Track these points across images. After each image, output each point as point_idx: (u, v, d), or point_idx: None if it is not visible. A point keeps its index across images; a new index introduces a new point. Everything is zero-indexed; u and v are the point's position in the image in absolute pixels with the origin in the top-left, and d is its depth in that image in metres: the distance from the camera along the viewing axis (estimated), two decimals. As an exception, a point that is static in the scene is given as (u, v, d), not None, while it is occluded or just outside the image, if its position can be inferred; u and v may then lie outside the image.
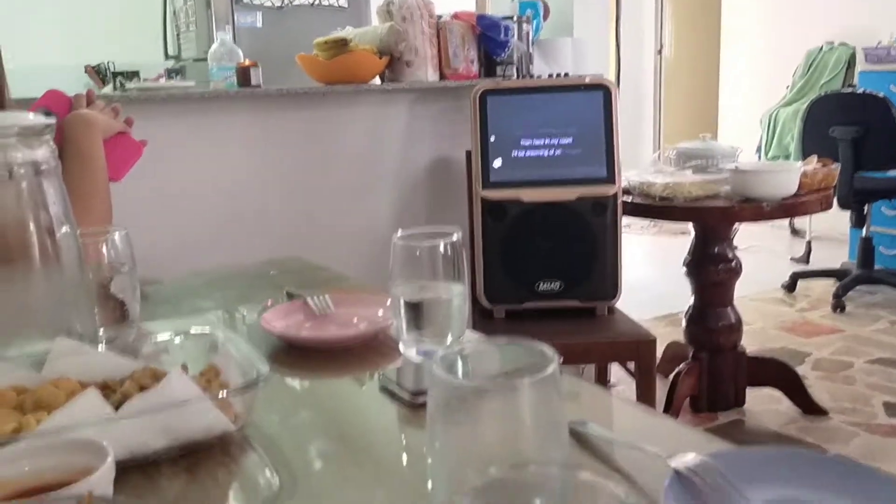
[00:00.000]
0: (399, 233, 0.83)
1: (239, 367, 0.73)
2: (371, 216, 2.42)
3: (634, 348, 2.04)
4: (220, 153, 2.19)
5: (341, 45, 2.27)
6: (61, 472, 0.55)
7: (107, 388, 0.70)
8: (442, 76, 2.44)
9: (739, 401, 2.57)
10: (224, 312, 1.15)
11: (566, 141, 2.10)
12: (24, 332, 0.77)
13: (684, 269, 2.47)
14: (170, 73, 3.34)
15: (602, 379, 2.72)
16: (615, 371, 2.80)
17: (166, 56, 3.81)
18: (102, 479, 0.53)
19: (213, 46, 2.26)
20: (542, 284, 2.09)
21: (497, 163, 2.08)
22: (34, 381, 0.70)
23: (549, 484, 0.42)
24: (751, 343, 2.93)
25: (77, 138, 1.17)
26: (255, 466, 0.67)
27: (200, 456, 0.66)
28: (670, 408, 2.38)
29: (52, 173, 0.78)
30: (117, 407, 0.66)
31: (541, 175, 2.08)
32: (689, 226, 2.55)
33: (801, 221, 5.08)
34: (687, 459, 0.56)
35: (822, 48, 4.87)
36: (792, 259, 4.64)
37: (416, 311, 0.83)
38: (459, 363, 0.55)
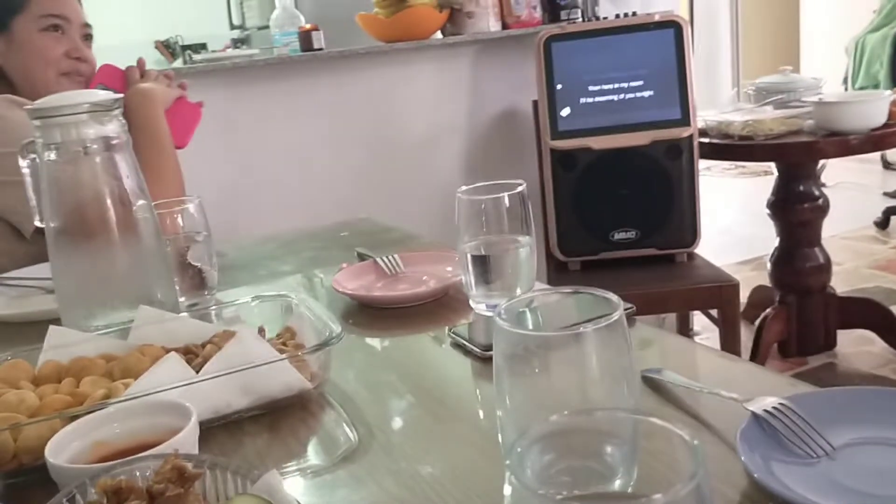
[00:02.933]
0: (463, 188, 0.83)
1: (313, 327, 0.75)
2: (439, 172, 2.41)
3: (716, 294, 1.99)
4: (287, 118, 2.22)
5: (400, 1, 2.25)
6: (149, 433, 0.57)
7: (189, 353, 0.73)
8: (504, 25, 2.39)
9: (830, 344, 2.48)
10: (301, 276, 1.17)
11: (637, 84, 2.03)
12: (108, 302, 0.81)
13: (768, 210, 2.38)
14: (235, 43, 3.39)
15: (684, 328, 2.67)
16: (698, 319, 2.74)
17: (231, 26, 3.86)
18: (188, 438, 0.55)
19: (275, 13, 2.27)
20: (617, 234, 2.05)
21: (565, 111, 2.04)
22: (121, 349, 0.73)
23: (619, 429, 0.41)
24: (841, 284, 2.81)
25: (139, 113, 1.21)
26: (334, 422, 0.68)
27: (281, 414, 0.68)
28: (757, 354, 2.32)
29: (124, 147, 0.81)
30: (199, 370, 0.68)
31: (611, 121, 2.03)
32: (772, 165, 2.44)
33: (893, 154, 4.81)
34: (765, 402, 0.54)
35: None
36: (884, 194, 4.40)
37: (483, 266, 0.82)
38: (527, 314, 0.55)
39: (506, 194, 0.82)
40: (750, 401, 0.56)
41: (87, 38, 1.36)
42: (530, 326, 0.54)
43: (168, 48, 3.04)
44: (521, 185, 0.83)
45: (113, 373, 0.69)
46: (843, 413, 0.54)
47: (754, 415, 0.54)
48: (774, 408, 0.53)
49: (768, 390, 0.57)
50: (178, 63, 2.74)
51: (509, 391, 0.49)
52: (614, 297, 0.48)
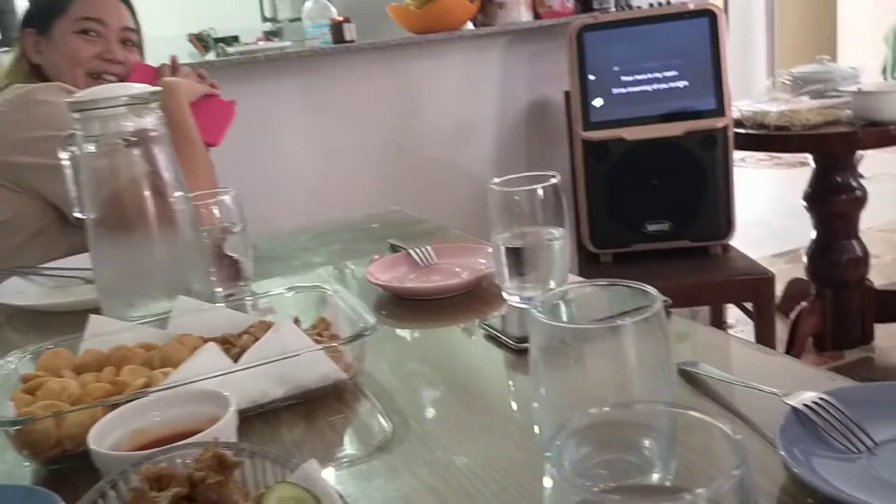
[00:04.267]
0: (496, 179, 0.83)
1: (348, 319, 0.75)
2: (470, 163, 2.41)
3: (751, 286, 1.96)
4: (318, 110, 2.23)
5: (433, -8, 2.24)
6: (189, 421, 0.58)
7: (226, 343, 0.74)
8: (536, 15, 2.38)
9: (867, 337, 2.43)
10: (333, 267, 1.18)
11: (670, 74, 2.01)
12: (147, 292, 0.82)
13: (804, 202, 2.34)
14: (267, 35, 3.42)
15: (718, 321, 2.64)
16: (731, 312, 2.70)
17: (263, 19, 3.89)
18: (227, 427, 0.56)
19: (307, 5, 2.28)
20: (649, 225, 2.03)
21: (597, 102, 2.02)
22: (160, 338, 0.74)
23: (657, 422, 0.41)
24: (879, 277, 2.76)
25: (163, 105, 1.23)
26: (369, 413, 0.69)
27: (317, 403, 0.69)
28: (792, 348, 2.28)
29: (162, 140, 0.82)
30: (237, 359, 0.69)
31: (644, 112, 2.01)
32: (808, 156, 2.40)
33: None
34: (805, 397, 0.54)
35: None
36: (924, 185, 4.31)
37: (516, 258, 0.82)
38: (562, 307, 0.54)
39: (540, 186, 0.81)
40: (789, 395, 0.55)
41: (128, 42, 1.39)
42: (566, 319, 0.54)
43: (201, 41, 3.07)
44: (554, 176, 0.82)
45: (152, 362, 0.70)
46: (885, 409, 0.53)
47: (794, 409, 0.53)
48: (815, 402, 0.53)
49: (807, 384, 0.56)
50: (211, 56, 2.77)
51: (546, 383, 0.49)
52: (652, 290, 0.48)
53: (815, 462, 0.50)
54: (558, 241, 0.83)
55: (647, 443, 0.40)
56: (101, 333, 0.75)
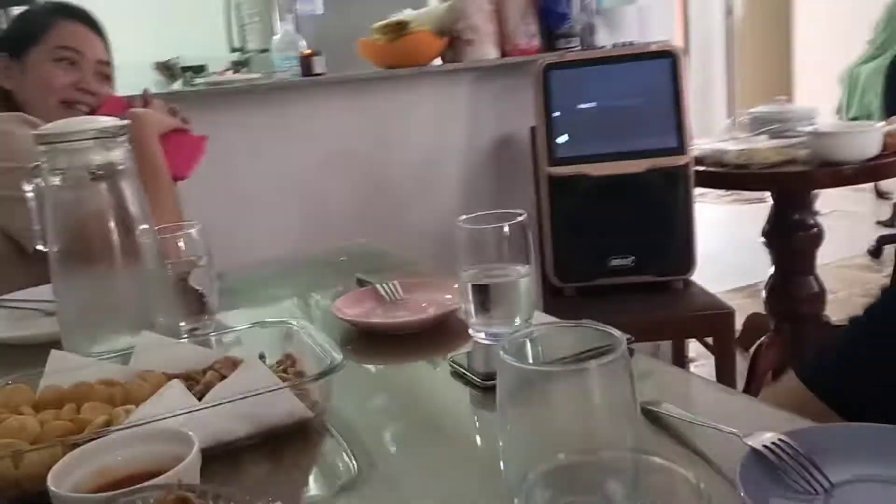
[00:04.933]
0: (463, 217, 0.84)
1: (314, 355, 0.75)
2: (438, 196, 2.42)
3: (711, 322, 2.00)
4: (287, 142, 2.23)
5: (400, 27, 2.27)
6: (151, 461, 0.57)
7: (190, 379, 0.73)
8: (503, 53, 2.42)
9: (825, 372, 2.48)
10: (298, 300, 1.17)
11: (633, 112, 2.05)
12: (110, 327, 0.81)
13: (763, 238, 2.39)
14: (235, 66, 3.41)
15: (680, 355, 2.67)
16: (694, 346, 2.74)
17: (231, 49, 3.88)
18: (190, 467, 0.55)
19: (276, 37, 2.29)
20: (613, 260, 2.06)
21: (562, 138, 2.05)
22: (122, 375, 0.73)
23: (621, 467, 0.42)
24: (836, 312, 2.82)
25: (131, 137, 1.22)
26: (334, 451, 0.69)
27: (282, 442, 0.68)
28: (752, 382, 2.32)
29: (130, 173, 0.82)
30: (201, 397, 0.68)
31: (608, 148, 2.04)
32: (767, 193, 2.46)
33: (886, 183, 4.84)
34: (764, 438, 0.55)
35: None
36: (877, 223, 4.43)
37: (483, 295, 0.83)
38: (528, 346, 0.55)
39: (506, 224, 0.83)
40: (749, 435, 0.56)
41: (102, 74, 1.39)
42: (532, 358, 0.54)
43: (168, 69, 3.05)
44: (521, 214, 0.84)
45: (114, 399, 0.69)
46: (842, 449, 0.54)
47: (753, 450, 0.54)
48: (774, 443, 0.54)
49: (767, 424, 0.58)
50: (178, 84, 2.75)
51: (512, 424, 0.50)
52: (617, 333, 0.49)
53: (774, 503, 0.51)
54: (524, 278, 0.84)
55: (611, 486, 0.41)
56: (62, 369, 0.73)
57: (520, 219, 0.83)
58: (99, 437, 0.60)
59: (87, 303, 0.82)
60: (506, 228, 0.82)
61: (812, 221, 2.34)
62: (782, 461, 0.53)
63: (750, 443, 0.55)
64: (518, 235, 0.83)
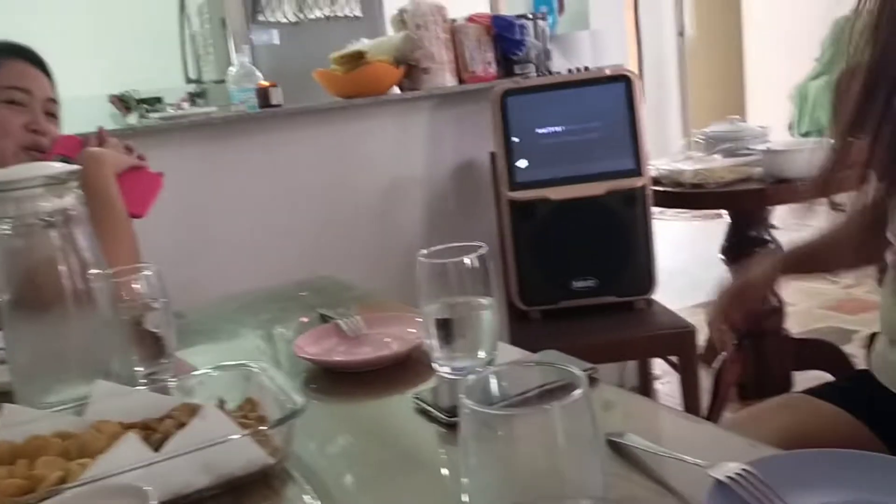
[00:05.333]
0: (424, 251, 0.83)
1: (275, 398, 0.74)
2: (399, 226, 2.42)
3: (674, 340, 2.02)
4: (245, 175, 2.22)
5: (357, 58, 2.28)
6: (107, 519, 0.56)
7: (147, 429, 0.71)
8: (460, 80, 2.44)
9: (786, 386, 2.52)
10: (259, 338, 1.16)
11: (591, 135, 2.08)
12: (63, 377, 0.79)
13: (721, 255, 2.43)
14: (192, 97, 3.39)
15: (645, 373, 2.69)
16: (659, 363, 2.76)
17: (187, 80, 3.86)
18: (147, 524, 0.54)
19: (232, 69, 2.28)
20: (576, 282, 2.07)
21: (522, 163, 2.07)
22: (77, 426, 0.71)
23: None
24: (796, 325, 2.87)
25: (88, 176, 1.19)
26: (297, 498, 0.67)
27: (243, 491, 0.67)
28: (717, 397, 2.34)
29: (82, 219, 0.80)
30: (158, 446, 0.67)
31: (567, 172, 2.07)
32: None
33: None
34: (728, 468, 0.55)
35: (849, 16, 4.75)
36: (832, 234, 4.52)
37: (446, 329, 0.82)
38: (491, 385, 0.55)
39: (467, 257, 0.82)
40: (713, 466, 0.56)
41: (51, 114, 1.36)
42: (495, 394, 0.54)
43: (123, 102, 3.02)
44: (482, 247, 0.84)
45: (69, 452, 0.67)
46: (805, 477, 0.55)
47: (718, 481, 0.54)
48: (738, 474, 0.54)
49: (730, 452, 0.58)
50: (134, 118, 2.72)
51: (475, 464, 0.49)
52: (578, 371, 0.49)
53: (739, 534, 0.51)
54: (487, 310, 0.84)
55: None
56: (15, 423, 0.71)
57: (481, 251, 0.83)
58: (53, 497, 0.58)
59: (40, 352, 0.80)
60: (467, 261, 0.82)
61: (768, 237, 2.38)
62: (747, 492, 0.53)
63: (714, 474, 0.55)
64: (480, 267, 0.83)
